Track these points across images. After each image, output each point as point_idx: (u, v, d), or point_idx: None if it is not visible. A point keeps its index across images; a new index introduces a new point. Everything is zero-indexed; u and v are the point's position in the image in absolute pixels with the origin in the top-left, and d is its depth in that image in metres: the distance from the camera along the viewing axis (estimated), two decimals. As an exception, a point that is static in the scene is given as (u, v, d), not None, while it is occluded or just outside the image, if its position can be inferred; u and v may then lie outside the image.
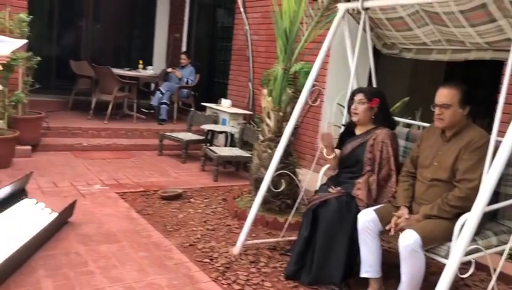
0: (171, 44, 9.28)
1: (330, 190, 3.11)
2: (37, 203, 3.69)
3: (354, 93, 3.24)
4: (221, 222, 4.12)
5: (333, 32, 3.47)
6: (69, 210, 3.71)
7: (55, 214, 3.54)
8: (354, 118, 3.20)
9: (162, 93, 7.65)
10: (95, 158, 5.89)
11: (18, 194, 3.58)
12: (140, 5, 9.42)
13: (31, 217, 3.46)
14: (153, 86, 8.97)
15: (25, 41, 3.18)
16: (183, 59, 8.02)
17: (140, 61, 8.36)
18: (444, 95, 2.69)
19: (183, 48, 8.92)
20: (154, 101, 7.79)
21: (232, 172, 6.00)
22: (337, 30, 3.50)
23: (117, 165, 5.67)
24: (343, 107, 3.83)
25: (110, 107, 6.99)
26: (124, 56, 9.31)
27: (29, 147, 5.56)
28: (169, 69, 8.12)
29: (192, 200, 4.67)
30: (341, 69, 5.40)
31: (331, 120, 3.78)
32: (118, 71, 7.32)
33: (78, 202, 3.90)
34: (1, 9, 5.26)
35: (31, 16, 5.39)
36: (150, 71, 8.34)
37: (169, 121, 7.60)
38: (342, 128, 3.50)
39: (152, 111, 7.94)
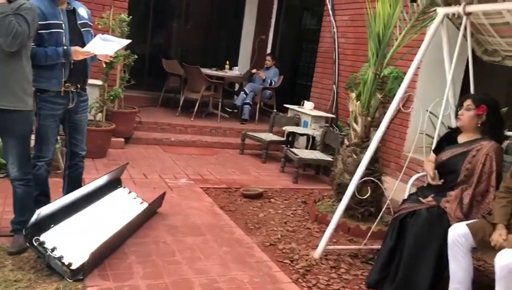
0: (256, 45, 9.43)
1: (421, 199, 2.99)
2: (129, 192, 3.92)
3: (463, 99, 3.10)
4: (301, 224, 4.13)
5: (430, 38, 3.34)
6: (158, 201, 3.91)
7: (146, 204, 3.75)
8: (459, 124, 3.06)
9: (245, 93, 7.82)
10: (182, 153, 6.14)
11: (114, 183, 3.83)
12: (229, 7, 9.67)
13: (124, 205, 3.69)
14: (237, 86, 9.18)
15: (128, 41, 3.38)
16: (268, 60, 8.13)
17: (227, 62, 8.60)
18: None
19: (268, 50, 9.03)
20: (238, 101, 7.98)
21: (312, 175, 5.98)
22: (434, 35, 3.37)
23: (201, 161, 5.87)
24: (436, 116, 3.68)
25: (197, 105, 7.26)
26: (211, 56, 9.61)
27: (122, 140, 5.93)
28: (254, 70, 8.26)
29: (272, 200, 4.72)
30: (433, 76, 5.17)
31: (423, 128, 3.63)
32: (205, 71, 7.58)
33: (166, 194, 4.09)
34: (106, 9, 5.67)
35: (130, 17, 5.76)
36: (235, 72, 8.54)
37: (251, 121, 7.74)
38: (436, 138, 3.36)
39: (235, 110, 8.12)
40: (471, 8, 3.14)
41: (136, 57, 5.95)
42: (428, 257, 2.86)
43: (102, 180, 3.57)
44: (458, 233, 2.69)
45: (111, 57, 3.33)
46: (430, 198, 2.97)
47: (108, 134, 5.50)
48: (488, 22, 3.22)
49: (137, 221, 3.49)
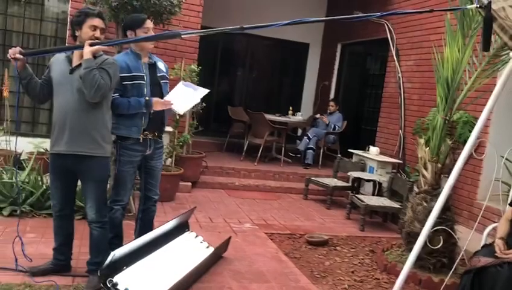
0: (319, 91, 9.53)
1: (497, 254, 2.81)
2: (196, 236, 4.00)
3: None
4: (369, 274, 3.99)
5: (503, 82, 3.23)
6: (224, 246, 3.95)
7: (212, 249, 3.80)
8: None
9: (309, 138, 7.85)
10: (245, 197, 6.21)
11: (182, 227, 3.93)
12: (293, 54, 9.90)
13: (191, 249, 3.76)
14: (300, 131, 9.25)
15: (207, 90, 3.54)
16: (332, 106, 8.16)
17: (290, 108, 8.73)
18: None
19: (331, 95, 9.08)
20: (301, 145, 8.02)
21: (379, 222, 5.80)
22: (507, 79, 3.25)
23: (265, 206, 5.90)
24: (510, 161, 3.50)
25: (260, 150, 7.37)
26: (274, 102, 9.81)
27: (190, 184, 6.11)
28: (318, 115, 8.31)
29: (338, 248, 4.61)
30: (507, 120, 4.96)
31: (498, 175, 3.46)
32: (269, 117, 7.73)
33: (231, 239, 4.13)
34: (177, 61, 6.01)
35: (199, 67, 6.05)
36: (298, 117, 8.63)
37: (314, 166, 7.71)
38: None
39: (298, 155, 8.15)
40: (546, 51, 3.02)
41: (205, 104, 6.19)
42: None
43: (171, 224, 3.67)
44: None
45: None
46: (508, 252, 2.78)
47: (177, 178, 5.70)
48: None
49: (203, 265, 3.54)
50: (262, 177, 7.06)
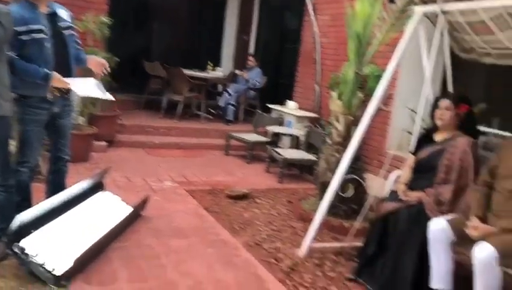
0: (239, 46, 9.44)
1: (401, 197, 3.04)
2: (113, 196, 3.90)
3: (438, 99, 3.15)
4: (286, 224, 4.16)
5: (409, 36, 3.40)
6: (142, 204, 3.89)
7: (130, 208, 3.73)
8: (439, 123, 3.11)
9: (229, 94, 7.82)
10: (165, 156, 6.12)
11: (96, 187, 3.80)
12: (210, 8, 9.65)
13: (108, 209, 3.67)
14: (220, 87, 9.17)
15: (112, 98, 3.38)
16: (251, 61, 8.14)
17: (210, 63, 8.58)
18: None
19: (251, 50, 9.04)
20: (221, 102, 7.98)
21: (297, 175, 6.01)
22: (412, 34, 3.42)
23: (186, 163, 5.86)
24: (415, 112, 3.74)
25: (180, 106, 7.24)
26: (193, 58, 9.58)
27: (104, 143, 5.88)
28: (238, 71, 8.27)
29: (257, 200, 4.73)
30: (413, 74, 5.23)
31: (404, 126, 3.69)
32: (188, 72, 7.56)
33: (150, 197, 4.07)
34: (83, 11, 5.59)
35: (111, 19, 5.71)
36: (218, 72, 8.54)
37: (235, 122, 7.74)
38: (415, 134, 3.42)
39: (220, 112, 8.12)
40: (447, 7, 3.20)
41: (118, 60, 5.90)
42: (411, 253, 2.90)
43: (84, 184, 3.55)
44: (438, 228, 2.74)
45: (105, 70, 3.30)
46: (409, 194, 3.02)
47: (90, 138, 5.46)
48: (465, 20, 3.28)
49: (121, 225, 3.47)
50: (183, 134, 6.96)
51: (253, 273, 3.13)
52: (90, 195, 3.64)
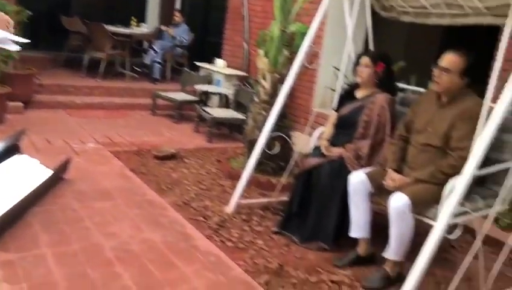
0: (164, 1, 9.07)
1: (324, 152, 3.14)
2: (31, 159, 3.69)
3: (360, 56, 3.23)
4: (215, 182, 4.18)
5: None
6: (63, 167, 3.73)
7: (50, 171, 3.56)
8: (359, 80, 3.20)
9: (155, 51, 7.55)
10: (88, 116, 5.86)
11: (11, 150, 3.57)
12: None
13: (25, 173, 3.47)
14: (145, 44, 8.81)
15: (26, 40, 3.03)
16: (177, 17, 7.86)
17: (133, 18, 8.18)
18: (448, 59, 2.69)
19: (177, 5, 8.72)
20: (147, 59, 7.70)
21: (226, 134, 6.01)
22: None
23: (110, 124, 5.66)
24: (339, 70, 3.83)
25: (102, 65, 6.89)
26: (115, 13, 9.07)
27: (21, 104, 5.51)
28: (163, 27, 7.97)
29: (186, 160, 4.70)
30: (338, 32, 5.32)
31: (328, 84, 3.78)
32: (110, 28, 7.17)
33: (72, 160, 3.91)
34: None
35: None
36: (143, 28, 8.19)
37: (163, 80, 7.53)
38: (338, 91, 3.51)
39: (145, 70, 7.84)
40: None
41: (30, 13, 5.46)
42: (334, 206, 3.05)
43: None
44: (357, 181, 2.88)
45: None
46: (331, 150, 3.13)
47: (3, 98, 5.08)
48: (384, -22, 3.35)
49: (40, 189, 3.31)
50: (107, 94, 6.67)
51: (181, 231, 3.14)
52: (5, 158, 3.43)
